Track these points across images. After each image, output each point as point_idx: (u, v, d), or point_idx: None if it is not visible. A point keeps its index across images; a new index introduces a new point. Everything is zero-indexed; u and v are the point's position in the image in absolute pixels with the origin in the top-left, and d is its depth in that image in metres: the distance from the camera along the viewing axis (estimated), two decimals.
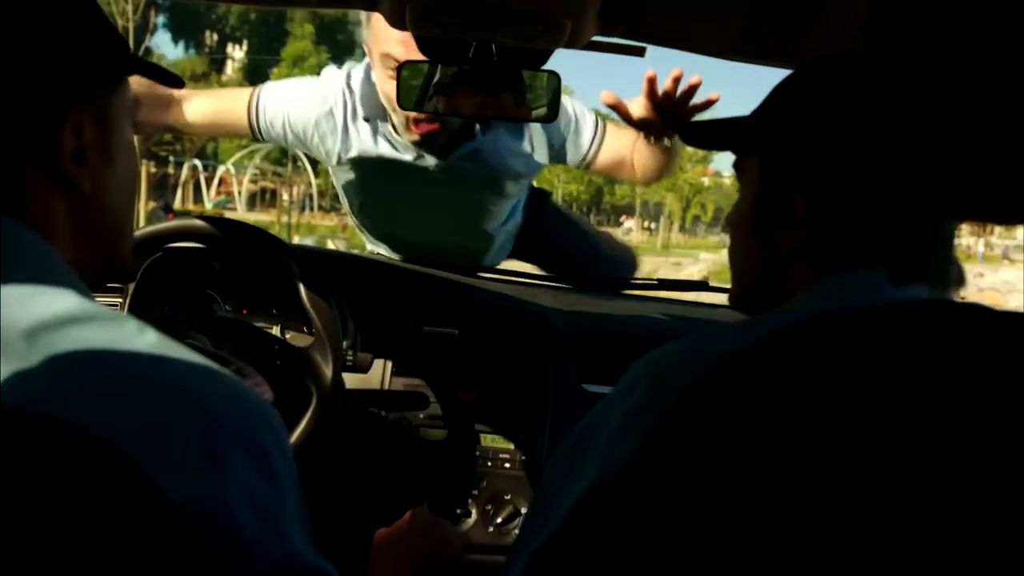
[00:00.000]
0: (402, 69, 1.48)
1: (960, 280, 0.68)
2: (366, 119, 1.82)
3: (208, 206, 23.48)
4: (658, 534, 0.57)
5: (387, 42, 1.63)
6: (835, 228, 0.69)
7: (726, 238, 0.84)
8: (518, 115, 1.50)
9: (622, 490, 0.61)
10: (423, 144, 1.80)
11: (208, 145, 29.18)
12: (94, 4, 0.67)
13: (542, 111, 1.49)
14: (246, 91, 1.93)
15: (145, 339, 0.58)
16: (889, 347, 0.54)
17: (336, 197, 2.01)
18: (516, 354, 1.63)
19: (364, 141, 1.86)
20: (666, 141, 1.74)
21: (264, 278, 1.62)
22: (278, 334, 1.61)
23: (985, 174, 0.58)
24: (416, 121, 1.73)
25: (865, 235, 0.67)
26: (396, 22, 1.16)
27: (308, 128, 1.89)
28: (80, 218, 0.66)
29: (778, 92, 0.75)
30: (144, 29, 21.32)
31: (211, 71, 41.46)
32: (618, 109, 1.60)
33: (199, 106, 1.91)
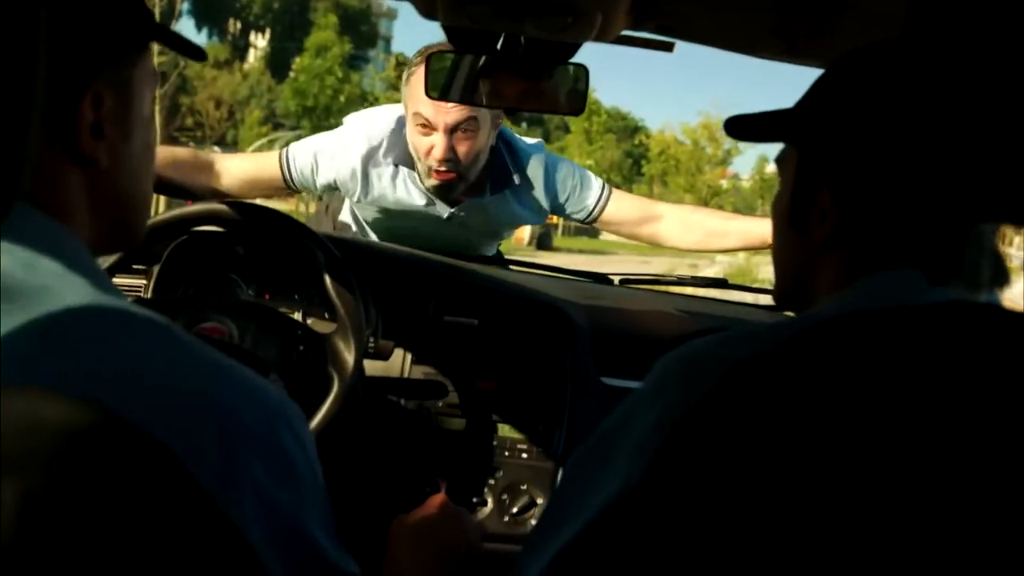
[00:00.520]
0: (431, 60, 1.49)
1: (1003, 281, 0.67)
2: (395, 164, 2.01)
3: None
4: (684, 535, 0.56)
5: (420, 103, 1.83)
6: (864, 222, 0.69)
7: None
8: (556, 105, 1.51)
9: (647, 494, 0.61)
10: (438, 191, 1.98)
11: (229, 132, 29.32)
12: None
13: (571, 104, 1.50)
14: (275, 152, 2.12)
15: (163, 339, 0.57)
16: (918, 347, 0.54)
17: None
18: (535, 345, 1.64)
19: (383, 187, 2.04)
20: None
21: (287, 264, 1.63)
22: (300, 319, 1.62)
23: (1020, 175, 0.58)
24: (436, 170, 1.90)
25: (896, 231, 0.67)
26: (427, 11, 1.16)
27: (333, 175, 2.06)
28: (95, 193, 0.65)
29: (817, 83, 0.76)
30: (170, 15, 21.44)
31: (234, 58, 41.61)
32: None
33: (237, 168, 2.08)
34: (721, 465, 0.56)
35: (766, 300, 1.98)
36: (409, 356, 1.63)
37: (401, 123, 2.00)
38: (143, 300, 1.48)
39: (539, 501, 1.56)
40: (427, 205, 2.05)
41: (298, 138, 2.33)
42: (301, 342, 1.31)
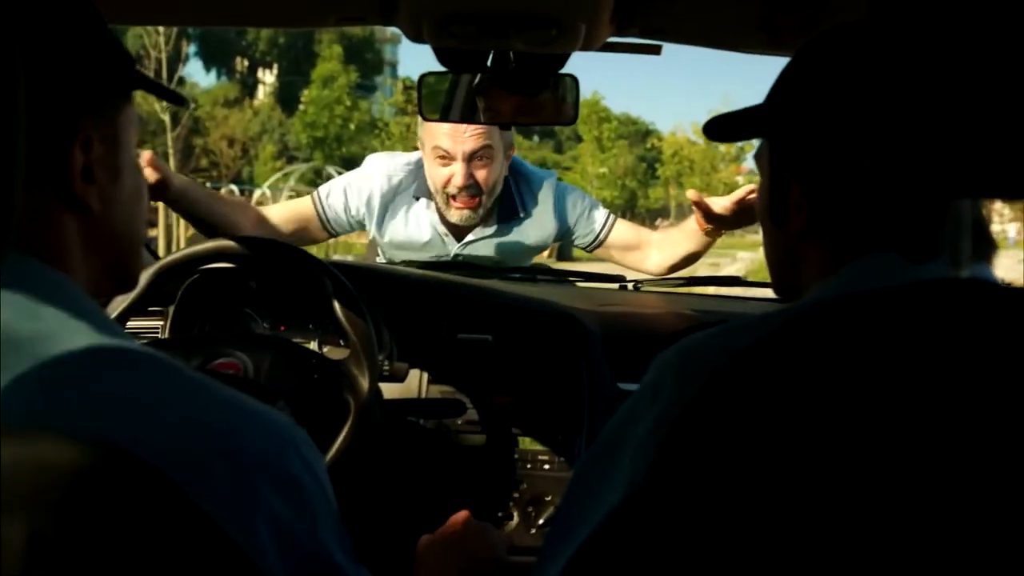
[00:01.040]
0: (423, 80, 1.51)
1: (989, 253, 0.67)
2: (416, 197, 2.11)
3: None
4: (690, 532, 0.56)
5: (437, 137, 1.96)
6: (836, 210, 0.69)
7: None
8: (553, 117, 1.53)
9: (651, 493, 0.61)
10: (459, 220, 2.07)
11: (244, 169, 29.60)
12: (99, 18, 0.67)
13: (565, 115, 1.51)
14: (307, 197, 2.21)
15: (167, 376, 0.59)
16: (900, 326, 0.54)
17: None
18: (550, 356, 1.65)
19: (396, 222, 2.14)
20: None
21: (299, 294, 1.65)
22: (315, 348, 1.64)
23: (990, 150, 0.58)
24: (458, 197, 2.01)
25: (869, 215, 0.67)
26: (414, 35, 1.18)
27: (361, 208, 2.14)
28: (89, 237, 0.66)
29: (781, 75, 0.76)
30: (176, 59, 21.73)
31: (243, 96, 42.03)
32: (699, 204, 1.91)
33: (276, 216, 2.14)
34: (719, 459, 0.56)
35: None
36: (425, 376, 1.64)
37: (420, 163, 2.10)
38: (159, 341, 1.50)
39: None
40: (436, 241, 2.13)
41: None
42: (316, 370, 1.32)
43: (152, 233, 15.50)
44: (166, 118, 20.40)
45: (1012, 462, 0.50)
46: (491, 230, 2.13)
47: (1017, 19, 0.56)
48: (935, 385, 0.51)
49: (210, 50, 49.83)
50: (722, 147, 35.36)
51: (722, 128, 0.82)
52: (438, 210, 2.09)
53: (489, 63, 1.34)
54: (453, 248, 2.14)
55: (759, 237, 0.86)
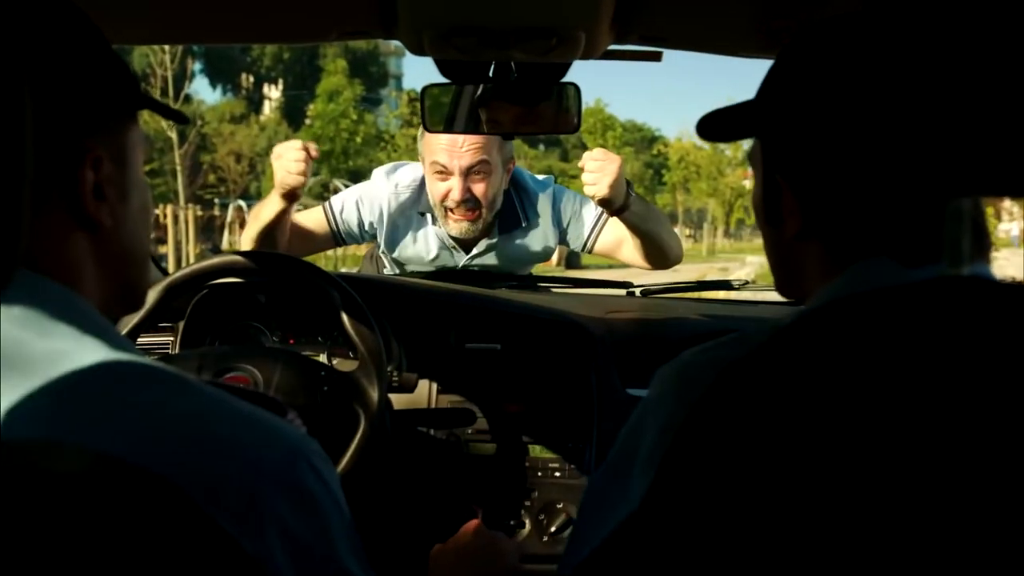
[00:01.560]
0: (426, 92, 1.52)
1: (986, 251, 0.65)
2: (420, 213, 2.15)
3: None
4: (696, 542, 0.56)
5: (436, 152, 2.00)
6: (829, 212, 0.67)
7: None
8: (556, 126, 1.54)
9: (655, 506, 0.61)
10: (458, 234, 2.10)
11: (252, 184, 29.69)
12: (103, 39, 0.68)
13: (567, 123, 1.51)
14: (318, 210, 2.22)
15: (178, 389, 0.59)
16: (901, 326, 0.54)
17: None
18: (558, 364, 1.65)
19: (405, 237, 2.18)
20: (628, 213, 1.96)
21: (308, 307, 1.66)
22: (325, 360, 1.64)
23: (991, 145, 0.58)
24: (455, 210, 2.04)
25: (864, 216, 0.65)
26: (416, 48, 1.19)
27: (370, 219, 2.17)
28: (101, 255, 0.67)
29: (769, 71, 0.73)
30: (182, 77, 21.81)
31: (249, 112, 42.19)
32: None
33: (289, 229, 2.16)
34: (722, 467, 0.56)
35: None
36: (435, 386, 1.65)
37: (423, 181, 2.13)
38: (169, 356, 1.51)
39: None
40: (445, 256, 2.17)
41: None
42: (325, 383, 1.33)
43: (162, 250, 15.56)
44: (173, 135, 20.45)
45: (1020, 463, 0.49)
46: (495, 241, 2.16)
47: (1013, 10, 0.56)
48: (935, 385, 0.51)
49: (215, 67, 50.13)
50: (728, 151, 35.27)
51: (714, 126, 0.78)
52: (437, 222, 2.13)
53: (491, 74, 1.35)
54: (461, 261, 2.17)
55: None
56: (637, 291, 2.01)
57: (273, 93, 51.99)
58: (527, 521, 1.57)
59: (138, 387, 0.58)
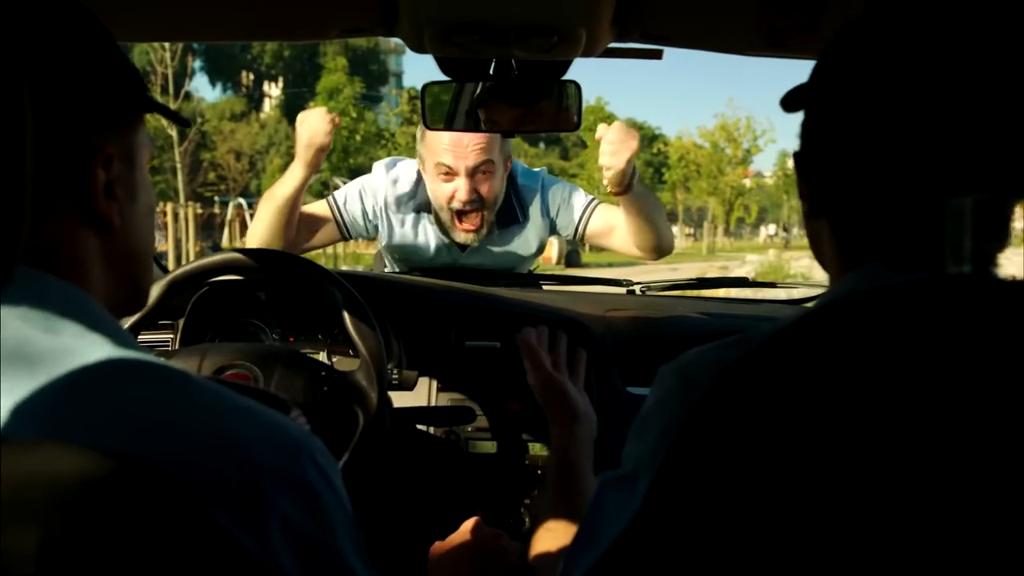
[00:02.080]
0: (427, 90, 1.52)
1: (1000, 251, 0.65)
2: (417, 211, 2.13)
3: None
4: (699, 544, 0.56)
5: (440, 154, 1.96)
6: (839, 210, 0.68)
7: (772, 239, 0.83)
8: (556, 124, 1.54)
9: (656, 508, 0.61)
10: (465, 236, 2.08)
11: (252, 182, 29.71)
12: (112, 41, 0.69)
13: (567, 121, 1.52)
14: (322, 203, 2.21)
15: (182, 387, 0.60)
16: (898, 327, 0.54)
17: None
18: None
19: (404, 232, 2.17)
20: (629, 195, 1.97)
21: (308, 305, 1.66)
22: (325, 359, 1.65)
23: (995, 146, 0.58)
24: (462, 211, 2.02)
25: (864, 220, 0.66)
26: (416, 46, 1.19)
27: (375, 217, 2.18)
28: (110, 254, 0.68)
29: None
30: (183, 75, 21.81)
31: (250, 109, 42.23)
32: None
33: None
34: (723, 468, 0.56)
35: (788, 295, 1.98)
36: (435, 384, 1.65)
37: (420, 177, 2.12)
38: (170, 353, 1.51)
39: None
40: (442, 253, 2.17)
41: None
42: (325, 382, 1.33)
43: (162, 248, 15.56)
44: (173, 133, 20.45)
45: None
46: (493, 237, 2.15)
47: (1015, 10, 0.56)
48: (936, 385, 0.51)
49: (216, 65, 50.10)
50: (728, 150, 35.28)
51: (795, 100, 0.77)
52: (440, 223, 2.10)
53: (492, 71, 1.35)
54: (458, 257, 2.16)
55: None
56: (637, 289, 2.01)
57: (273, 91, 52.01)
58: (527, 519, 1.57)
59: (142, 384, 0.58)
